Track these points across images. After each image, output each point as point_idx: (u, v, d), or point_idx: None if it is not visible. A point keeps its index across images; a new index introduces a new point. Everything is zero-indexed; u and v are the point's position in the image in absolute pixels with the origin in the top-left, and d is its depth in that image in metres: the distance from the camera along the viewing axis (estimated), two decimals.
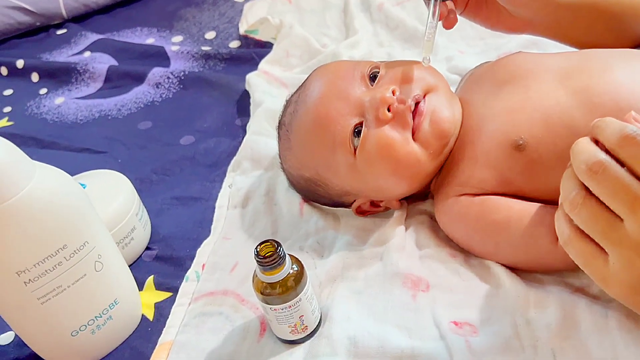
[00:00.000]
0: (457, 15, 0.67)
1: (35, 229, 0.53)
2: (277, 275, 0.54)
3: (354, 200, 0.68)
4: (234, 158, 0.86)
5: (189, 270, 0.70)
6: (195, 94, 1.05)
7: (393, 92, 0.61)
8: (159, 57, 1.16)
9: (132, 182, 0.77)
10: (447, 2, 0.64)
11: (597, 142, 0.43)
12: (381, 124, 0.61)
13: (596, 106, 0.55)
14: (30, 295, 0.55)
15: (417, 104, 0.61)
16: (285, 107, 0.71)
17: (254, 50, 1.11)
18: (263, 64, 1.04)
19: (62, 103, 1.11)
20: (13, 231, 0.52)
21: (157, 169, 0.89)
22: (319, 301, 0.60)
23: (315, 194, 0.70)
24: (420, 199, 0.71)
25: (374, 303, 0.60)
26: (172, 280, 0.69)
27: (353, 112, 0.63)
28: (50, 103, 1.12)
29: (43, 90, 1.16)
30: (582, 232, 0.43)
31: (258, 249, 0.54)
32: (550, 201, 0.56)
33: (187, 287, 0.68)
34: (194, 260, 0.71)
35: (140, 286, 0.69)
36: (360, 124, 0.63)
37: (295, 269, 0.56)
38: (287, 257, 0.55)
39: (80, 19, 1.37)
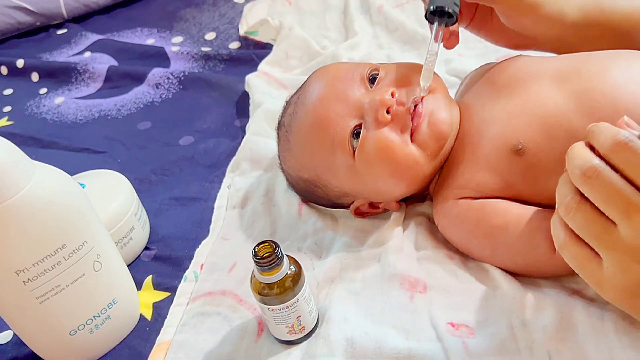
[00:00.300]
0: (463, 28, 0.66)
1: (35, 229, 0.54)
2: (275, 276, 0.54)
3: (353, 202, 0.69)
4: (233, 159, 0.86)
5: (188, 271, 0.70)
6: (195, 94, 1.05)
7: (392, 95, 0.61)
8: (159, 57, 1.16)
9: (131, 182, 0.77)
10: (449, 26, 0.63)
11: (592, 147, 0.43)
12: (380, 125, 0.61)
13: (594, 110, 0.55)
14: (29, 295, 0.55)
15: (415, 106, 0.62)
16: (285, 108, 0.72)
17: (254, 52, 1.11)
18: (263, 65, 1.04)
19: (61, 103, 1.11)
20: (12, 230, 0.53)
21: (156, 169, 0.89)
22: (316, 302, 0.60)
23: (314, 195, 0.71)
24: (418, 201, 0.71)
25: (371, 304, 0.60)
26: (170, 280, 0.69)
27: (352, 113, 0.63)
28: (50, 103, 1.12)
29: (43, 90, 1.16)
30: (577, 236, 0.44)
31: (256, 250, 0.54)
32: (550, 205, 0.56)
33: (186, 287, 0.68)
34: (193, 261, 0.71)
35: (139, 286, 0.69)
36: (359, 125, 0.63)
37: (293, 269, 0.56)
38: (285, 258, 0.55)
39: (81, 19, 1.38)
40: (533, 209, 0.57)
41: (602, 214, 0.41)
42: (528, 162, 0.57)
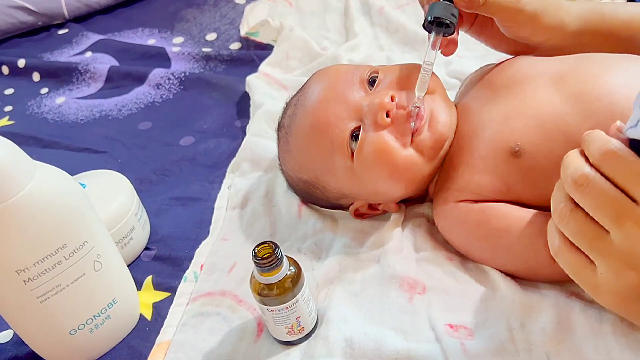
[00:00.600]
0: (463, 32, 0.66)
1: (36, 228, 0.54)
2: (275, 277, 0.54)
3: (352, 203, 0.69)
4: (234, 159, 0.86)
5: (187, 271, 0.70)
6: (196, 95, 1.05)
7: (392, 98, 0.62)
8: (160, 58, 1.17)
9: (131, 182, 0.77)
10: (447, 36, 0.63)
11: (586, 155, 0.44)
12: (379, 128, 0.62)
13: (591, 113, 0.55)
14: (30, 294, 0.55)
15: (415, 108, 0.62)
16: (285, 109, 0.72)
17: (255, 52, 1.11)
18: (263, 66, 1.04)
19: (62, 103, 1.11)
20: (13, 230, 0.53)
21: (156, 169, 0.89)
22: (315, 303, 0.60)
23: (313, 196, 0.71)
24: (418, 202, 0.71)
25: (370, 305, 0.60)
26: (170, 280, 0.70)
27: (351, 116, 0.63)
28: (51, 103, 1.12)
29: (44, 90, 1.16)
30: (571, 242, 0.44)
31: (256, 250, 0.54)
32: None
33: (185, 287, 0.68)
34: (193, 261, 0.71)
35: (139, 286, 0.69)
36: (358, 128, 0.63)
37: (293, 270, 0.56)
38: (285, 259, 0.55)
39: (82, 19, 1.38)
40: (534, 212, 0.57)
41: (595, 221, 0.42)
42: (526, 164, 0.57)
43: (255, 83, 0.98)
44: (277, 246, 0.54)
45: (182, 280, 0.69)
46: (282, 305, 0.55)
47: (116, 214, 0.71)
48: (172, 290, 0.68)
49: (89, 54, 1.24)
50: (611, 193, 0.40)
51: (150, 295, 0.68)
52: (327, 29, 1.15)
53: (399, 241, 0.65)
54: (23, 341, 0.62)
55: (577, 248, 0.44)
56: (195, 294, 0.67)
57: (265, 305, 0.56)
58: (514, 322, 0.54)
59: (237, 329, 0.62)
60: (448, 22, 0.60)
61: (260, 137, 0.86)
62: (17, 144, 0.54)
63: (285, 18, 1.18)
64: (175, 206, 0.81)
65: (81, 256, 0.57)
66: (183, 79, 1.08)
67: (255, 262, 0.54)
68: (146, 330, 0.65)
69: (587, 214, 0.42)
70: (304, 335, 0.58)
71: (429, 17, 0.61)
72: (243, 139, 0.89)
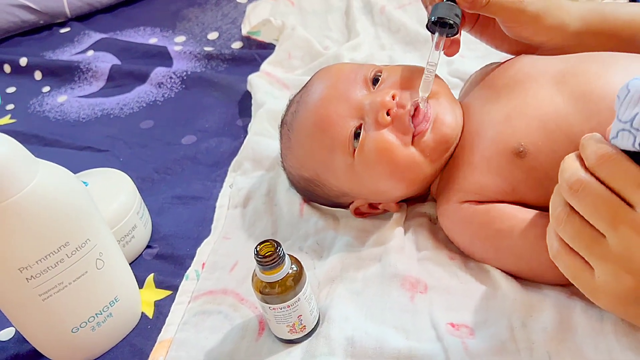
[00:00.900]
0: (465, 32, 0.66)
1: (38, 226, 0.54)
2: (277, 275, 0.54)
3: (352, 202, 0.69)
4: (235, 158, 0.86)
5: (189, 269, 0.70)
6: (197, 94, 1.05)
7: (393, 97, 0.62)
8: (162, 56, 1.17)
9: (133, 180, 0.77)
10: (450, 37, 0.62)
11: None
12: (380, 127, 0.62)
13: (593, 113, 0.55)
14: (32, 292, 0.56)
15: (416, 108, 0.62)
16: (288, 106, 0.72)
17: (256, 52, 1.11)
18: (265, 65, 1.04)
19: (64, 101, 1.12)
20: (16, 228, 0.53)
21: (158, 168, 0.89)
22: (317, 301, 0.61)
23: (314, 194, 0.71)
24: (419, 201, 0.71)
25: (372, 304, 0.60)
26: (172, 278, 0.70)
27: (353, 114, 0.63)
28: (53, 101, 1.12)
29: (46, 89, 1.16)
30: (569, 246, 0.44)
31: (258, 249, 0.54)
32: None
33: (187, 285, 0.68)
34: (194, 259, 0.71)
35: (141, 284, 0.69)
36: (360, 126, 0.63)
37: (295, 269, 0.56)
38: (287, 257, 0.56)
39: (84, 17, 1.38)
40: (539, 214, 0.57)
41: (591, 225, 0.42)
42: (530, 165, 0.57)
43: (257, 82, 0.98)
44: (279, 244, 0.54)
45: (184, 278, 0.69)
46: (283, 304, 0.55)
47: (118, 212, 0.71)
48: (174, 288, 0.68)
49: (90, 52, 1.24)
50: (606, 197, 0.41)
51: (152, 294, 0.69)
52: (328, 28, 1.15)
53: (401, 240, 0.65)
54: (25, 339, 0.62)
55: (575, 252, 0.44)
56: (196, 292, 0.67)
57: (266, 303, 0.56)
58: (515, 321, 0.54)
59: (238, 328, 0.62)
60: (452, 22, 0.60)
61: (262, 136, 0.86)
62: (18, 142, 0.54)
63: (287, 17, 1.18)
64: (176, 205, 0.81)
65: (83, 254, 0.58)
66: (185, 77, 1.08)
67: (257, 260, 0.54)
68: (148, 329, 0.65)
69: (583, 218, 0.42)
70: (305, 333, 0.58)
71: (433, 18, 0.61)
72: (245, 137, 0.89)
